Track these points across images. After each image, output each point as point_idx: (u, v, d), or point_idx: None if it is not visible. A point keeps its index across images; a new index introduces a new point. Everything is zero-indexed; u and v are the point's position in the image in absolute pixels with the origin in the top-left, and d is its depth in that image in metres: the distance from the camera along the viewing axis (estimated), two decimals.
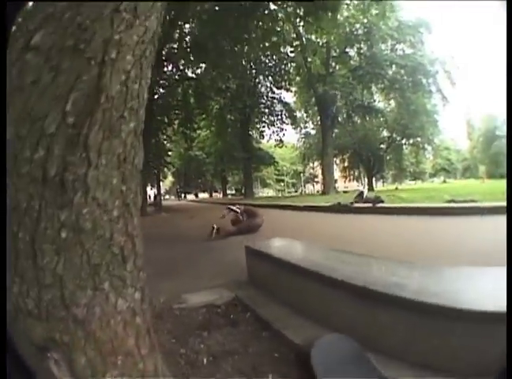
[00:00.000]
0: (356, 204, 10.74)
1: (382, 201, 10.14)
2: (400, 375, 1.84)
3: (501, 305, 1.54)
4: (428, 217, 7.86)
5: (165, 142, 23.50)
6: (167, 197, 57.27)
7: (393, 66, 25.15)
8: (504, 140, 39.94)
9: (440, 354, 1.81)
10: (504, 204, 6.54)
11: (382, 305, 2.02)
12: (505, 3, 1.86)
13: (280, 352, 2.40)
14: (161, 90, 18.03)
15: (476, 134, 53.13)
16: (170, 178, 54.46)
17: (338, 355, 2.03)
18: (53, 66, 1.20)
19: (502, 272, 1.85)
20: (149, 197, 34.71)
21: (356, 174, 48.41)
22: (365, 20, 23.61)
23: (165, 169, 29.82)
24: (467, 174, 53.08)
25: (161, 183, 37.63)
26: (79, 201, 1.20)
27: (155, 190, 30.35)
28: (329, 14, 9.78)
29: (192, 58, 16.09)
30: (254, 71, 27.11)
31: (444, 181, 51.23)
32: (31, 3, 1.38)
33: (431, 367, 1.81)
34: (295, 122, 33.44)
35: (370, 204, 10.17)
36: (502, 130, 41.54)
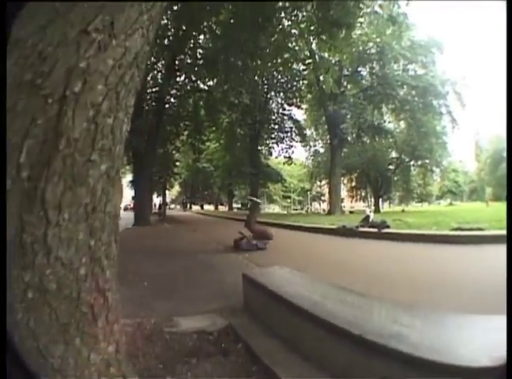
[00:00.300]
0: (362, 228, 10.59)
1: (388, 227, 9.98)
2: None
3: (499, 358, 1.49)
4: (434, 245, 7.71)
5: (173, 152, 23.65)
6: (172, 206, 57.41)
7: (405, 87, 25.07)
8: None
9: None
10: None
11: (379, 355, 1.92)
12: (505, 3, 1.83)
13: None
14: (172, 100, 18.08)
15: (483, 156, 53.03)
16: (177, 188, 54.63)
17: None
18: (9, 107, 1.13)
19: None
20: (154, 205, 34.85)
21: (363, 194, 48.44)
22: (378, 39, 23.60)
23: (172, 179, 29.83)
24: (473, 197, 52.93)
25: (168, 192, 37.79)
26: (41, 262, 1.13)
27: (160, 199, 30.32)
28: (344, 31, 9.76)
29: (204, 71, 16.13)
30: (265, 87, 27.22)
31: (450, 204, 51.06)
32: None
33: None
34: (304, 140, 33.41)
35: (375, 229, 10.00)
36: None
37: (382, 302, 2.62)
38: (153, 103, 16.89)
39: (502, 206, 20.63)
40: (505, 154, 43.42)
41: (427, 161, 33.42)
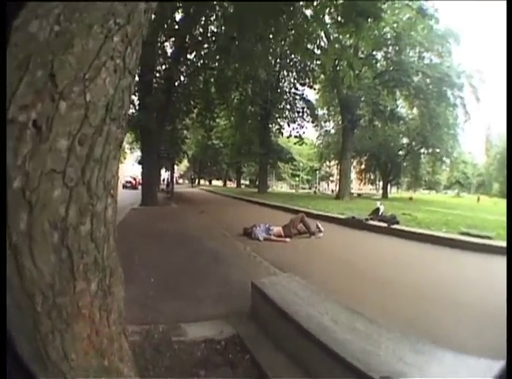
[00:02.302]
0: (371, 221, 10.53)
1: (398, 222, 9.90)
2: None
3: None
4: (442, 248, 7.64)
5: (182, 130, 23.59)
6: (180, 181, 57.51)
7: (419, 74, 24.45)
8: None
9: None
10: None
11: None
12: (505, 3, 1.79)
13: None
14: (182, 78, 17.73)
15: (493, 151, 52.54)
16: (185, 163, 54.62)
17: None
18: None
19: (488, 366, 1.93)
20: (163, 180, 34.86)
21: (372, 177, 48.30)
22: (395, 25, 23.06)
23: (180, 156, 29.67)
24: (481, 190, 52.63)
25: (176, 167, 37.66)
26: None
27: (168, 174, 30.18)
28: (370, 21, 9.35)
29: (217, 56, 15.84)
30: (277, 66, 26.84)
31: (458, 195, 50.93)
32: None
33: None
34: (315, 120, 33.07)
35: (384, 224, 9.95)
36: None
37: (390, 331, 2.61)
38: (162, 81, 16.60)
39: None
40: None
41: (438, 150, 33.25)
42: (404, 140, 36.94)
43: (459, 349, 2.33)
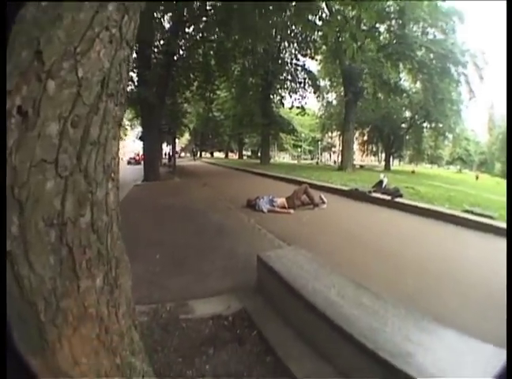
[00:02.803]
0: (374, 194, 10.47)
1: (401, 195, 9.85)
2: None
3: None
4: (445, 224, 7.60)
5: (183, 103, 23.39)
6: (182, 154, 57.37)
7: (423, 49, 23.93)
8: None
9: None
10: None
11: (386, 372, 2.01)
12: (505, 3, 1.75)
13: None
14: (181, 51, 17.46)
15: (496, 131, 52.21)
16: (186, 136, 54.36)
17: None
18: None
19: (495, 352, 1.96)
20: (165, 154, 34.85)
21: (374, 149, 48.19)
22: None
23: (181, 129, 29.52)
24: (482, 168, 52.57)
25: (177, 141, 37.56)
26: None
27: (170, 148, 30.10)
28: None
29: (216, 29, 15.53)
30: (278, 37, 26.37)
31: (459, 171, 50.95)
32: None
33: None
34: (317, 91, 32.61)
35: (388, 197, 9.88)
36: None
37: (396, 307, 2.62)
38: (161, 56, 16.38)
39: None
40: None
41: (441, 125, 33.04)
42: (407, 114, 36.74)
43: (460, 331, 2.32)
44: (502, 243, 5.99)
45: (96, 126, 1.22)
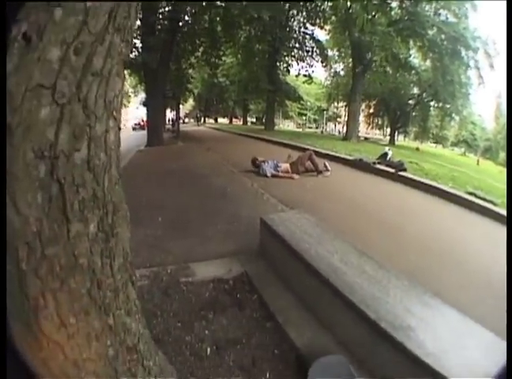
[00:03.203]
0: (378, 165, 10.35)
1: (405, 169, 9.74)
2: None
3: None
4: (448, 203, 7.54)
5: (187, 69, 22.96)
6: (186, 120, 56.97)
7: (435, 29, 23.40)
8: None
9: None
10: None
11: (386, 344, 2.03)
12: (505, 3, 1.69)
13: (280, 349, 2.48)
14: (186, 17, 17.09)
15: (503, 120, 51.64)
16: (190, 102, 53.80)
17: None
18: None
19: (495, 341, 1.95)
20: (168, 120, 34.62)
21: (380, 122, 47.81)
22: None
23: (186, 95, 29.30)
24: (487, 155, 52.31)
25: (181, 106, 37.25)
26: None
27: (174, 114, 29.88)
28: None
29: None
30: (287, 5, 25.71)
31: (464, 154, 50.76)
32: None
33: None
34: (325, 60, 31.99)
35: (392, 169, 9.75)
36: None
37: (399, 279, 2.61)
38: (166, 22, 16.06)
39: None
40: None
41: (448, 106, 32.48)
42: (415, 90, 35.90)
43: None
44: (503, 230, 6.00)
45: (99, 57, 1.15)
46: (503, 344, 1.88)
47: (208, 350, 2.40)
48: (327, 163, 9.31)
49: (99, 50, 1.14)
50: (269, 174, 8.55)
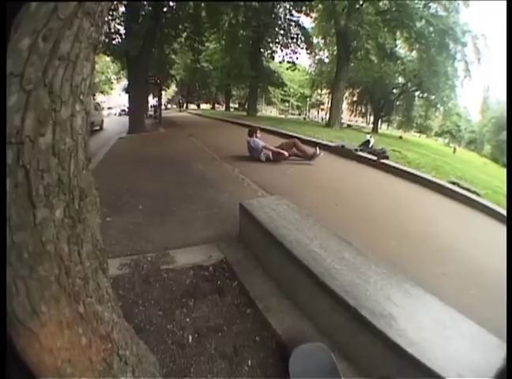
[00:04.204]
0: (360, 152, 10.39)
1: (387, 157, 9.80)
2: None
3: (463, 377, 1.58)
4: (430, 191, 7.60)
5: (170, 54, 22.94)
6: (168, 106, 56.54)
7: (423, 21, 23.42)
8: None
9: None
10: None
11: (367, 332, 2.01)
12: (505, 3, 1.69)
13: (261, 337, 2.47)
14: (171, 3, 16.85)
15: (489, 114, 52.47)
16: (173, 88, 53.40)
17: (315, 366, 2.07)
18: None
19: (481, 333, 1.93)
20: (151, 106, 34.30)
21: (363, 110, 48.14)
22: None
23: (168, 80, 29.15)
24: (471, 147, 53.14)
25: (164, 92, 36.97)
26: None
27: (156, 100, 29.65)
28: None
29: None
30: None
31: (447, 145, 51.53)
32: None
33: None
34: (310, 48, 31.95)
35: (374, 157, 9.78)
36: None
37: (378, 266, 2.61)
38: (150, 8, 15.82)
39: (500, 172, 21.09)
40: None
41: (433, 97, 33.00)
42: (400, 80, 36.36)
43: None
44: (487, 221, 6.19)
45: (67, 42, 1.14)
46: (490, 337, 1.90)
47: (190, 338, 2.40)
48: (317, 148, 9.28)
49: (67, 34, 1.14)
50: (260, 146, 8.61)
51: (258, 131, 9.22)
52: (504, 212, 6.61)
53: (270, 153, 8.63)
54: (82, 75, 1.25)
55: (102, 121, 21.12)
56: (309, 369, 2.04)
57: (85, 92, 1.29)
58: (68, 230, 1.23)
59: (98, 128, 19.73)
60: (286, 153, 8.64)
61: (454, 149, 41.12)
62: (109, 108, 39.90)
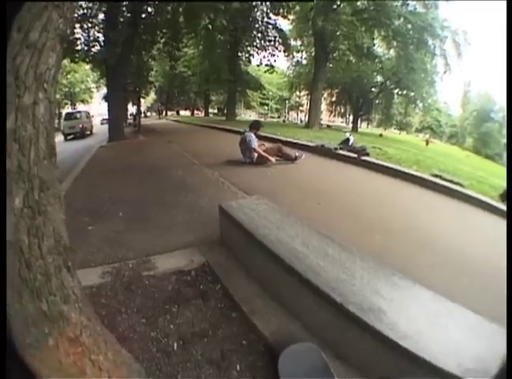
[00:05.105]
0: (340, 151, 10.38)
1: (368, 154, 9.81)
2: None
3: (464, 367, 1.54)
4: (412, 186, 7.61)
5: (148, 61, 22.78)
6: (148, 114, 56.35)
7: (401, 19, 23.58)
8: (497, 125, 42.85)
9: None
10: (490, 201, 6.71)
11: (357, 328, 1.96)
12: (505, 3, 1.68)
13: (248, 340, 2.43)
14: (149, 9, 16.78)
15: (470, 107, 53.48)
16: (152, 95, 53.21)
17: (305, 367, 2.03)
18: None
19: (478, 321, 1.91)
20: (131, 114, 34.17)
21: (342, 110, 48.50)
22: None
23: (147, 87, 29.12)
24: (453, 141, 54.04)
25: (143, 100, 36.86)
26: None
27: (135, 108, 29.63)
28: None
29: None
30: None
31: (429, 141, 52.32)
32: None
33: None
34: (288, 50, 32.13)
35: (354, 155, 9.76)
36: (498, 116, 44.14)
37: (364, 260, 2.57)
38: (128, 14, 15.76)
39: (483, 163, 21.38)
40: (492, 114, 45.87)
41: (412, 94, 33.37)
42: (379, 78, 36.67)
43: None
44: (472, 211, 6.24)
45: (35, 31, 1.20)
46: (489, 324, 1.87)
47: (175, 345, 2.35)
48: (297, 153, 9.27)
49: (37, 25, 1.21)
50: (253, 145, 8.49)
51: (261, 128, 9.21)
52: (490, 200, 6.75)
53: (256, 156, 8.54)
54: (47, 64, 1.29)
55: (92, 127, 24.68)
56: (299, 370, 2.00)
57: (49, 82, 1.32)
58: (27, 220, 1.22)
59: (89, 133, 22.98)
60: (273, 159, 8.57)
61: (427, 142, 41.31)
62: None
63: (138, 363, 2.01)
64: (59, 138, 20.79)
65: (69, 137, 22.11)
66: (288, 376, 1.98)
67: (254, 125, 9.11)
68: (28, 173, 1.22)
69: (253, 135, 8.66)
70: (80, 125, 22.94)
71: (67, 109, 39.33)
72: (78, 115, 23.87)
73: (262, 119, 54.17)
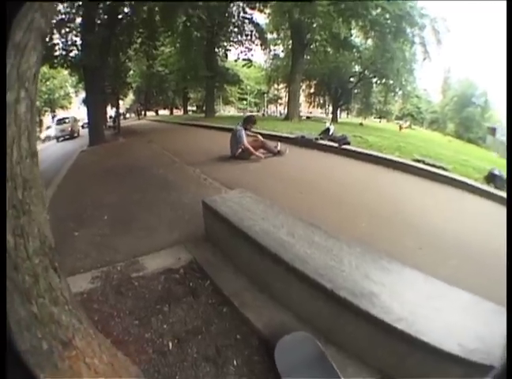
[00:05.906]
0: (321, 141, 10.42)
1: (349, 143, 9.83)
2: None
3: (465, 347, 1.55)
4: (394, 172, 7.67)
5: (126, 62, 22.62)
6: (127, 115, 55.87)
7: (379, 9, 23.63)
8: (479, 110, 43.08)
9: (396, 368, 1.83)
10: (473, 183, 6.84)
11: (349, 313, 1.97)
12: (505, 3, 1.71)
13: (242, 334, 2.43)
14: (125, 9, 16.62)
15: (450, 93, 53.84)
16: (131, 96, 52.69)
17: (302, 356, 2.04)
18: None
19: (474, 300, 1.94)
20: (110, 117, 33.89)
21: (321, 101, 48.48)
22: None
23: (125, 89, 29.11)
24: (434, 126, 54.48)
25: (121, 102, 36.57)
26: None
27: (114, 111, 29.60)
28: None
29: None
30: None
31: (410, 127, 52.52)
32: None
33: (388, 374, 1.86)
34: (265, 44, 32.06)
35: (335, 143, 9.79)
36: (479, 100, 43.84)
37: (351, 246, 2.59)
38: (105, 16, 15.58)
39: (466, 147, 21.48)
40: (473, 99, 45.20)
41: (391, 82, 33.41)
42: (357, 68, 36.57)
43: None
44: (456, 194, 6.34)
45: (20, 31, 1.22)
46: (484, 303, 1.89)
47: (170, 344, 2.35)
48: (279, 146, 9.18)
49: (22, 25, 1.22)
50: (243, 142, 8.37)
51: (255, 124, 9.13)
52: (474, 182, 6.91)
53: (239, 151, 8.45)
54: (28, 63, 1.29)
55: (79, 130, 27.13)
56: (296, 360, 2.01)
57: (31, 81, 1.33)
58: (11, 219, 1.22)
59: (76, 135, 25.55)
60: (262, 156, 8.51)
61: (400, 127, 41.41)
62: None
63: (136, 366, 2.01)
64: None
65: (60, 139, 24.91)
66: (285, 366, 1.99)
67: (247, 120, 8.98)
68: (11, 170, 1.22)
69: (243, 131, 8.53)
70: (70, 128, 25.86)
71: (47, 116, 39.48)
72: (67, 120, 26.64)
73: (242, 114, 54.08)
